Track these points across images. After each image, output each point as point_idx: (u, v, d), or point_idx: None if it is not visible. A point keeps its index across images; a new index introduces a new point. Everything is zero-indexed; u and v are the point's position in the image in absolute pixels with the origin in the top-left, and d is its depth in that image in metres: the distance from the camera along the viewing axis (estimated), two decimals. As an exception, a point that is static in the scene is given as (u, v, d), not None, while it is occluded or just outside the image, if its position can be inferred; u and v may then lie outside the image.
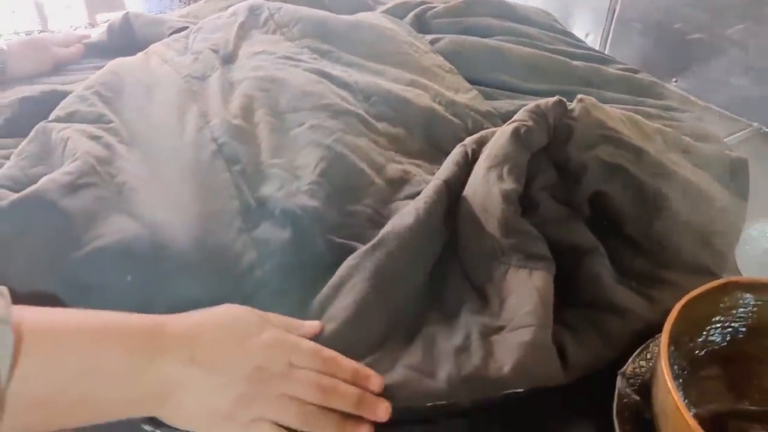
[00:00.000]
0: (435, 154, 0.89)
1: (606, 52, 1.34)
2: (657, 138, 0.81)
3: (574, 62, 1.10)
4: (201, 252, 0.66)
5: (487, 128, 0.93)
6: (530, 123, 0.71)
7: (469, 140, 0.79)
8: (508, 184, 0.69)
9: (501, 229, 0.68)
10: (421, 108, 0.92)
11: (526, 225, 0.68)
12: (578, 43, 1.26)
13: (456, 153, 0.77)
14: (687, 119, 1.00)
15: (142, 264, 0.64)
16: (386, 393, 0.59)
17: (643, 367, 0.70)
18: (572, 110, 0.73)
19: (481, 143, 0.78)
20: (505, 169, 0.70)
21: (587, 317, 0.66)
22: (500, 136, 0.72)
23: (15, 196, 0.64)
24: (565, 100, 0.73)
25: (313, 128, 0.83)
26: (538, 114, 0.71)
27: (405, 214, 0.70)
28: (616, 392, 0.66)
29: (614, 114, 0.77)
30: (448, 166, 0.76)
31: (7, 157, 0.84)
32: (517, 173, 0.69)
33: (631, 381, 0.68)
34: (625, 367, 0.68)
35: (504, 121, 0.96)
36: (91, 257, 0.63)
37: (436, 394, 0.59)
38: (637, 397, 0.68)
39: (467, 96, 0.98)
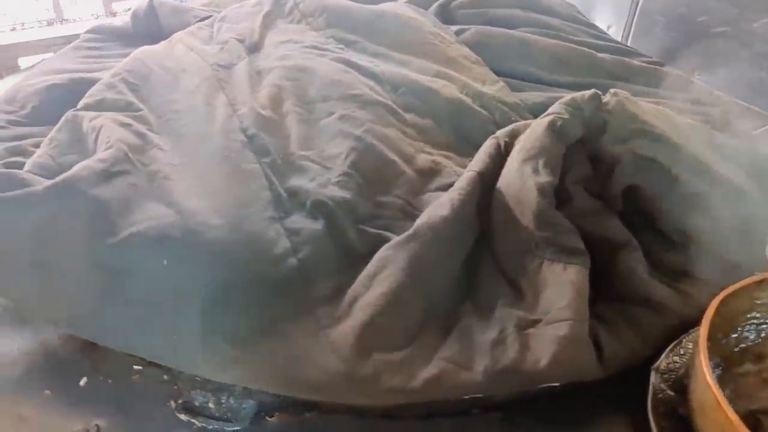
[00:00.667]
0: (463, 146, 0.88)
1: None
2: (689, 132, 0.80)
3: (600, 54, 1.09)
4: (234, 237, 0.66)
5: (515, 120, 0.93)
6: (566, 116, 0.70)
7: (501, 132, 0.78)
8: (544, 177, 0.68)
9: (535, 221, 0.68)
10: (448, 99, 0.91)
11: (561, 218, 0.68)
12: (602, 34, 1.25)
13: (488, 145, 0.76)
14: (715, 114, 0.99)
15: (178, 249, 0.64)
16: (424, 386, 0.59)
17: (677, 362, 0.70)
18: (606, 103, 0.73)
19: (513, 135, 0.78)
20: (541, 162, 0.69)
21: (622, 312, 0.66)
22: (535, 129, 0.71)
23: (50, 182, 0.64)
24: (600, 93, 0.73)
25: (343, 118, 0.82)
26: (574, 107, 0.71)
27: (439, 205, 0.70)
28: (650, 388, 0.66)
29: (647, 108, 0.77)
30: (481, 158, 0.75)
31: (36, 146, 0.84)
32: (553, 166, 0.69)
33: (665, 376, 0.68)
34: (658, 362, 0.67)
35: (531, 113, 0.96)
36: (127, 243, 0.63)
37: (473, 386, 0.59)
38: (672, 393, 0.67)
39: (494, 88, 0.98)
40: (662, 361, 0.68)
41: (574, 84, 1.05)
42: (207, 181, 0.71)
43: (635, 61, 1.13)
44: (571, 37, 1.15)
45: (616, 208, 0.72)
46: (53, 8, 1.78)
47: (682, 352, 0.70)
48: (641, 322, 0.65)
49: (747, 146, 0.86)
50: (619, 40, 1.41)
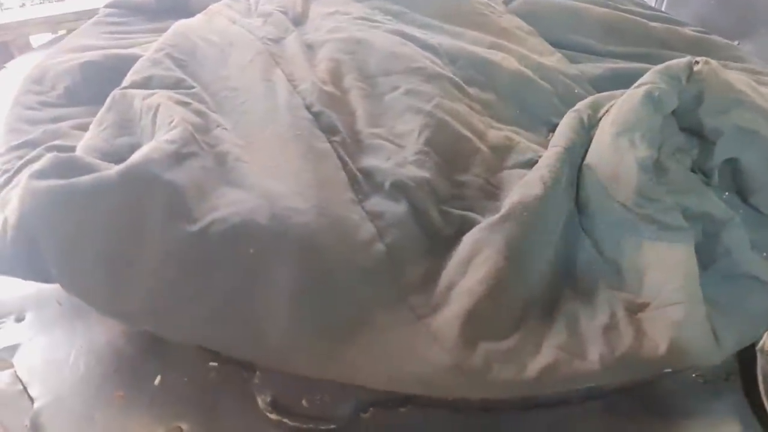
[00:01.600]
0: (529, 120, 0.84)
1: (664, 13, 1.28)
2: (773, 102, 0.76)
3: (652, 24, 1.05)
4: (322, 222, 0.62)
5: (578, 93, 0.89)
6: (663, 85, 0.66)
7: (582, 105, 0.74)
8: (643, 151, 0.64)
9: (635, 198, 0.64)
10: (510, 72, 0.87)
11: (663, 194, 0.64)
12: (643, 1, 1.20)
13: (571, 118, 0.72)
14: (776, 83, 0.96)
15: (264, 236, 0.59)
16: (539, 377, 0.55)
17: (778, 340, 0.67)
18: (699, 72, 0.69)
19: (595, 108, 0.73)
20: (638, 135, 0.65)
21: (730, 292, 0.62)
22: (629, 100, 0.67)
23: (120, 166, 0.59)
24: (693, 60, 0.69)
25: (409, 93, 0.77)
26: (670, 76, 0.67)
27: (530, 183, 0.66)
28: (760, 371, 0.63)
29: (736, 77, 0.73)
30: (564, 133, 0.71)
31: (77, 128, 0.78)
32: (651, 139, 0.65)
33: (769, 358, 0.66)
34: (761, 342, 0.65)
35: (592, 85, 0.92)
36: (209, 231, 0.58)
37: (590, 376, 0.56)
38: (779, 374, 0.65)
39: (552, 59, 0.93)
40: (765, 342, 0.66)
41: (628, 54, 1.01)
42: (281, 163, 0.66)
43: (686, 30, 1.08)
44: (618, 5, 1.11)
45: (713, 182, 0.69)
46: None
47: (781, 327, 0.67)
48: (750, 303, 0.62)
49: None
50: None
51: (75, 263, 0.58)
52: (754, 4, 1.23)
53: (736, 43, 1.27)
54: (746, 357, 0.64)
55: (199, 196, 0.60)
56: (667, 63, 0.69)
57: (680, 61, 0.68)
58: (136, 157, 0.60)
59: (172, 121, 0.66)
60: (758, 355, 0.65)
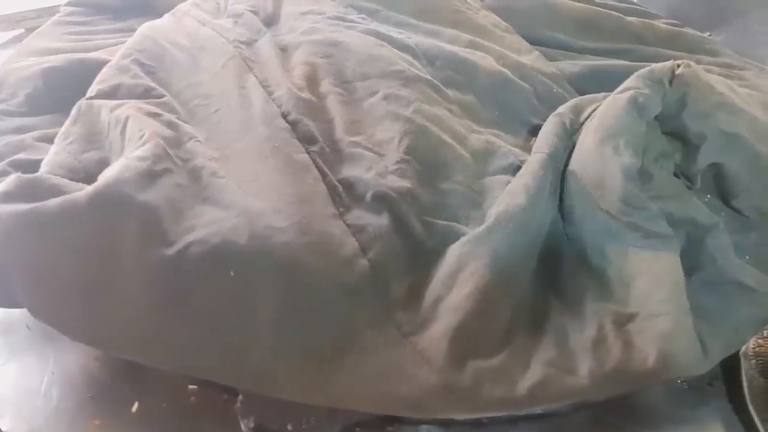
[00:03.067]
0: (509, 122, 0.83)
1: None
2: (750, 100, 0.76)
3: (628, 18, 1.04)
4: (303, 240, 0.60)
5: (556, 92, 0.88)
6: (647, 90, 0.65)
7: (564, 109, 0.73)
8: (627, 158, 0.63)
9: (619, 206, 0.63)
10: (488, 72, 0.85)
11: (647, 201, 0.63)
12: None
13: (553, 123, 0.71)
14: (750, 78, 0.96)
15: (244, 256, 0.57)
16: (530, 394, 0.55)
17: (762, 345, 0.68)
18: (681, 75, 0.68)
19: (577, 112, 0.72)
20: (622, 142, 0.64)
21: (716, 299, 0.62)
22: (612, 105, 0.66)
23: (92, 188, 0.56)
24: (676, 63, 0.68)
25: (388, 98, 0.75)
26: (654, 80, 0.66)
27: (514, 192, 0.65)
28: (744, 376, 0.64)
29: (716, 78, 0.73)
30: (547, 138, 0.70)
31: (41, 140, 0.74)
32: (635, 145, 0.64)
33: (753, 362, 0.66)
34: (744, 347, 0.65)
35: (571, 84, 0.91)
36: (186, 253, 0.56)
37: (580, 391, 0.55)
38: (763, 379, 0.65)
39: (530, 57, 0.92)
40: (749, 346, 0.66)
41: (605, 50, 1.00)
42: (258, 177, 0.64)
43: (660, 24, 1.08)
44: (593, -1, 1.10)
45: (695, 187, 0.68)
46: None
47: (765, 334, 0.68)
48: (736, 310, 0.62)
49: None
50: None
51: (45, 291, 0.55)
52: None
53: (707, 34, 1.27)
54: (730, 362, 0.64)
55: (174, 216, 0.58)
56: (650, 67, 0.68)
57: (663, 65, 0.67)
58: (106, 177, 0.57)
59: (142, 135, 0.63)
60: (742, 359, 0.65)
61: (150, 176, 0.59)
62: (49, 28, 1.01)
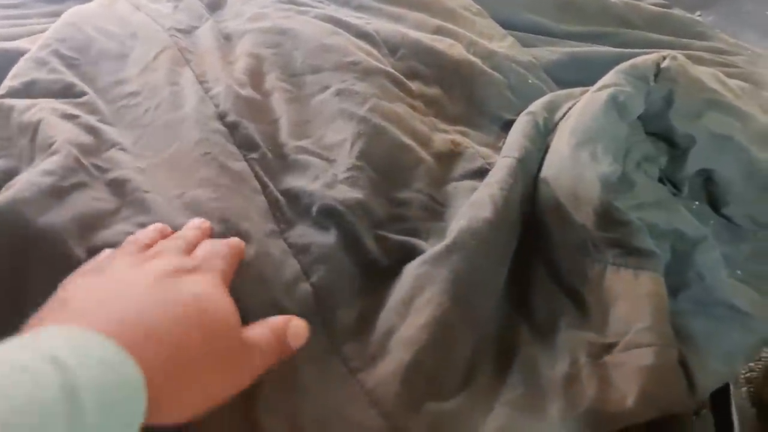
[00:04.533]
0: (479, 118, 0.75)
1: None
2: (743, 95, 0.69)
3: (611, -1, 0.96)
4: (239, 264, 0.52)
5: (531, 83, 0.80)
6: (628, 88, 0.58)
7: (537, 107, 0.65)
8: (606, 166, 0.56)
9: (597, 219, 0.56)
10: (456, 62, 0.77)
11: (628, 214, 0.56)
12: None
13: (524, 123, 0.63)
14: (743, 65, 0.89)
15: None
16: (490, 442, 0.48)
17: (753, 370, 0.62)
18: (667, 69, 0.60)
19: (551, 110, 0.65)
20: (600, 147, 0.57)
21: (704, 323, 0.56)
22: (589, 105, 0.59)
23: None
24: (662, 56, 0.60)
25: (341, 94, 0.67)
26: (636, 76, 0.58)
27: (478, 204, 0.57)
28: (734, 407, 0.58)
29: (704, 70, 0.65)
30: (517, 140, 0.62)
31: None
32: (615, 151, 0.57)
33: (743, 390, 0.60)
34: (735, 373, 0.59)
35: (548, 74, 0.83)
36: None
37: (548, 435, 0.48)
38: (753, 408, 0.60)
39: (504, 44, 0.84)
40: (738, 373, 0.60)
41: (586, 34, 0.92)
42: (188, 190, 0.56)
43: (646, 5, 1.00)
44: (573, -22, 1.01)
45: (682, 194, 0.61)
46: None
47: (757, 358, 0.62)
48: (727, 337, 0.55)
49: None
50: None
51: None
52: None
53: (697, 14, 1.19)
54: (719, 390, 0.58)
55: (87, 238, 0.50)
56: (632, 61, 0.60)
57: (647, 59, 0.60)
58: (3, 197, 0.49)
59: (52, 143, 0.55)
60: (731, 387, 0.59)
61: (57, 193, 0.51)
62: (-24, 12, 0.91)
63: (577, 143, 0.58)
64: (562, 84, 0.81)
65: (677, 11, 1.03)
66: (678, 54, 0.63)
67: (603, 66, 0.66)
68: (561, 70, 0.83)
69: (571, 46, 0.88)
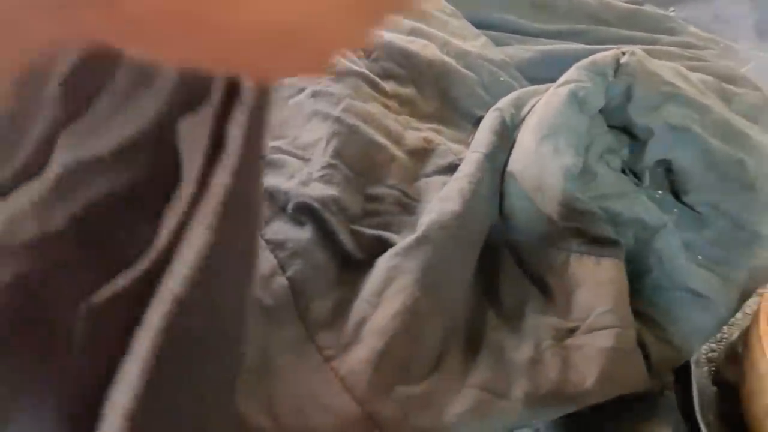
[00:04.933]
0: (452, 116, 0.77)
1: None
2: (703, 88, 0.72)
3: (583, -3, 0.99)
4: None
5: (504, 81, 0.82)
6: (588, 83, 0.60)
7: (504, 103, 0.68)
8: (568, 158, 0.59)
9: (560, 210, 0.59)
10: (430, 62, 0.80)
11: (589, 205, 0.59)
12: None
13: (492, 119, 0.66)
14: (711, 58, 0.91)
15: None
16: (459, 422, 0.50)
17: (713, 351, 0.64)
18: (626, 65, 0.63)
19: (518, 106, 0.67)
20: (562, 141, 0.60)
21: (664, 306, 0.58)
22: (552, 100, 0.61)
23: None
24: (621, 53, 0.63)
25: (316, 95, 0.70)
26: (595, 72, 0.61)
27: (447, 198, 0.60)
28: (694, 384, 0.60)
29: (664, 65, 0.68)
30: (485, 136, 0.65)
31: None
32: (577, 144, 0.60)
33: (704, 370, 0.63)
34: (696, 355, 0.61)
35: (521, 72, 0.86)
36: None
37: (514, 417, 0.51)
38: (714, 387, 0.62)
39: (477, 44, 0.86)
40: (700, 353, 0.63)
41: (559, 32, 0.94)
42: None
43: (618, 2, 1.02)
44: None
45: (644, 184, 0.64)
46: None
47: (717, 338, 0.64)
48: (685, 319, 0.58)
49: (759, 99, 0.79)
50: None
51: None
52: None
53: (671, 10, 1.22)
54: (681, 369, 0.61)
55: None
56: (592, 57, 0.63)
57: (606, 55, 0.62)
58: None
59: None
60: (693, 367, 0.61)
61: None
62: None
63: (540, 138, 0.61)
64: (535, 81, 0.83)
65: (649, 8, 1.05)
66: (637, 49, 0.65)
67: (574, 63, 0.68)
68: (534, 67, 0.86)
69: (544, 44, 0.91)
